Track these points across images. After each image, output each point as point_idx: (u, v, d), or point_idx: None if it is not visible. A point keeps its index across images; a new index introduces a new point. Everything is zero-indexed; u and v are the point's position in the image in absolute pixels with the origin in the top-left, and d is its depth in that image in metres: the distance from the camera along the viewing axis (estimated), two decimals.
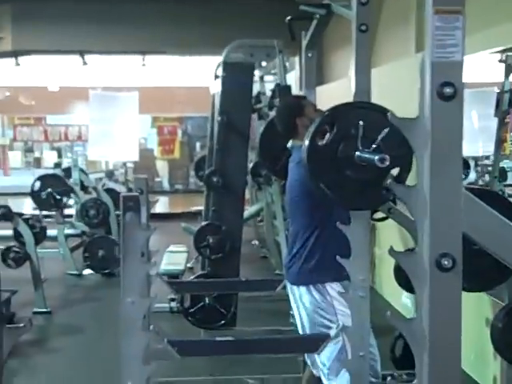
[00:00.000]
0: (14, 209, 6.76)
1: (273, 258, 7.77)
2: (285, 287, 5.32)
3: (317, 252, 3.09)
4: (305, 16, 3.76)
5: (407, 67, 5.42)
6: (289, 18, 4.00)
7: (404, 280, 3.39)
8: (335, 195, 2.21)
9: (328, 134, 2.16)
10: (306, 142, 2.21)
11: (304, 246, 3.13)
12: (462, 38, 1.72)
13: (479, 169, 7.25)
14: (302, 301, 3.15)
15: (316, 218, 3.09)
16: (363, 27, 2.46)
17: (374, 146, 2.07)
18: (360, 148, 2.10)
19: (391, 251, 1.79)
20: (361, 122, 2.10)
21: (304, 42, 3.95)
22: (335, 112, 2.22)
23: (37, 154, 22.80)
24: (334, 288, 3.04)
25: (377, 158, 1.98)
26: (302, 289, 3.13)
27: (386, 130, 2.04)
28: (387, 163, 1.98)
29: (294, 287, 3.18)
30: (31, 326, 4.91)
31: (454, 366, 1.75)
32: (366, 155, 2.06)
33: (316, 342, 2.65)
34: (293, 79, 9.24)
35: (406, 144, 1.78)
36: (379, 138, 2.06)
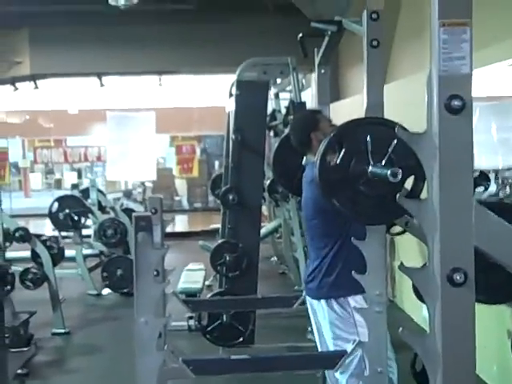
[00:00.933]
0: (35, 230, 6.82)
1: (291, 273, 7.74)
2: (302, 303, 5.27)
3: (337, 266, 3.08)
4: (316, 33, 3.76)
5: (422, 82, 5.40)
6: (300, 35, 4.01)
7: None
8: (349, 212, 2.20)
9: (338, 152, 2.16)
10: (317, 161, 2.21)
11: (324, 261, 3.12)
12: (470, 50, 1.70)
13: (500, 181, 7.19)
14: (323, 315, 3.13)
15: (334, 234, 3.08)
16: (374, 42, 2.47)
17: (384, 159, 2.06)
18: (371, 163, 2.08)
19: (401, 267, 1.77)
20: (368, 138, 2.09)
21: (317, 59, 3.95)
22: (343, 130, 2.22)
23: (57, 176, 23.01)
24: (356, 301, 3.02)
25: (389, 172, 1.96)
26: (323, 303, 3.12)
27: (394, 142, 2.02)
28: (400, 176, 1.96)
29: (315, 301, 3.17)
30: (36, 349, 4.90)
31: (468, 382, 1.72)
32: (378, 170, 2.05)
33: (334, 358, 2.62)
34: (309, 96, 9.25)
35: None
36: (389, 151, 2.04)
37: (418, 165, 1.88)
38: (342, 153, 2.14)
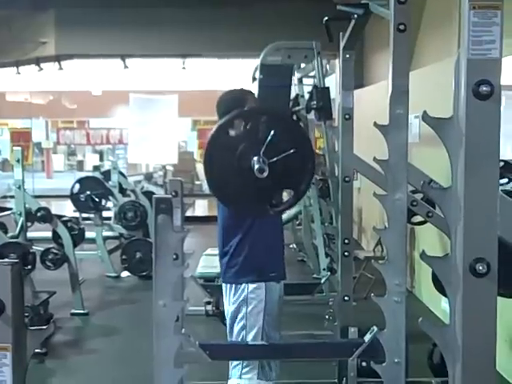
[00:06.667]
0: (56, 211, 6.83)
1: (310, 261, 7.71)
2: (321, 291, 5.25)
3: (240, 253, 3.10)
4: (342, 16, 3.70)
5: (448, 69, 5.31)
6: (326, 18, 3.95)
7: (442, 285, 3.31)
8: (215, 194, 2.21)
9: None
10: (206, 147, 2.20)
11: (230, 246, 3.16)
12: (500, 34, 1.66)
13: None
14: (227, 298, 3.18)
15: (237, 223, 3.11)
16: (401, 27, 2.40)
17: (255, 157, 2.06)
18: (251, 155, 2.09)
19: (423, 255, 1.73)
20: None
21: (341, 43, 3.89)
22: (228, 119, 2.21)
23: (79, 157, 23.18)
24: (254, 287, 3.07)
25: (256, 167, 2.02)
26: (227, 287, 3.17)
27: (269, 136, 2.04)
28: (266, 174, 2.02)
29: (223, 285, 3.23)
30: (55, 328, 4.94)
31: (488, 375, 1.69)
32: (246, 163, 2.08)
33: (350, 347, 2.60)
34: (333, 82, 9.18)
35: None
36: (263, 147, 2.05)
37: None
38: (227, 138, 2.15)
